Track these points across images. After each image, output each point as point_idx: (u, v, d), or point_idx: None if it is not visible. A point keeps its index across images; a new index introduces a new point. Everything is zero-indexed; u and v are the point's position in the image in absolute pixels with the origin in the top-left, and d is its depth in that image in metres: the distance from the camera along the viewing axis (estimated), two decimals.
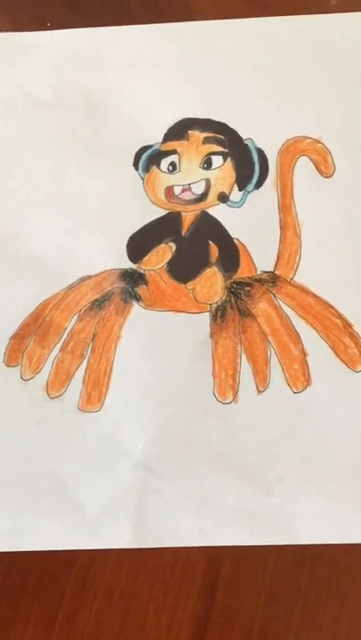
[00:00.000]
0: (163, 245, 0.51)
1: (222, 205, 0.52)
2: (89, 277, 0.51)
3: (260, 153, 0.52)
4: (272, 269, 0.50)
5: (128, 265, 0.51)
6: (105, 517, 0.47)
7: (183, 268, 0.51)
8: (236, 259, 0.51)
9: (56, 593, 0.46)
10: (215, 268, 0.51)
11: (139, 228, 0.52)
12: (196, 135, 0.53)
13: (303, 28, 0.55)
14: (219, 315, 0.50)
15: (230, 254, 0.51)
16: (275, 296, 0.50)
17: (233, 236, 0.51)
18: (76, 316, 0.51)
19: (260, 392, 0.48)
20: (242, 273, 0.50)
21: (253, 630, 0.45)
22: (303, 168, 0.52)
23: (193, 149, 0.53)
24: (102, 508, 0.47)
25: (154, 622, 0.45)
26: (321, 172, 0.52)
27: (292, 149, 0.52)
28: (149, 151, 0.53)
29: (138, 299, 0.50)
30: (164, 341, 0.49)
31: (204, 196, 0.52)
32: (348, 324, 0.49)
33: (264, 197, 0.52)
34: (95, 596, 0.46)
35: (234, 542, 0.46)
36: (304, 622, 0.44)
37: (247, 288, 0.50)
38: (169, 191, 0.52)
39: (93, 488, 0.47)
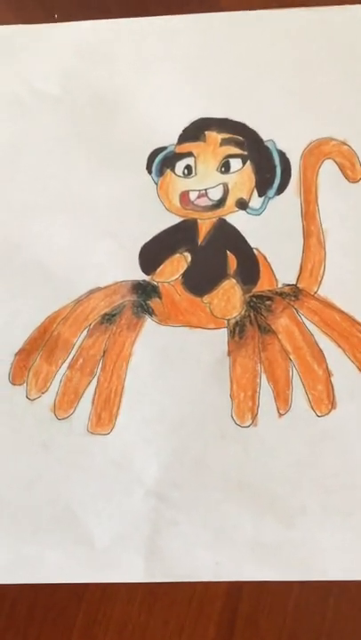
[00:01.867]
0: (177, 255, 0.48)
1: (241, 212, 0.48)
2: (99, 289, 0.48)
3: (282, 156, 0.49)
4: (294, 282, 0.47)
5: (140, 276, 0.48)
6: (115, 549, 0.44)
7: (199, 281, 0.48)
8: (255, 270, 0.47)
9: (64, 628, 0.44)
10: (233, 281, 0.47)
11: (152, 237, 0.49)
12: (214, 136, 0.49)
13: (331, 20, 0.51)
14: (237, 331, 0.47)
15: (249, 265, 0.47)
16: (297, 311, 0.47)
17: (252, 245, 0.48)
18: (85, 331, 0.48)
19: (281, 415, 0.45)
20: (262, 286, 0.47)
21: None
22: (328, 172, 0.49)
23: (210, 152, 0.49)
24: (112, 540, 0.44)
25: None
26: (347, 177, 0.48)
27: (317, 152, 0.49)
28: (163, 153, 0.50)
29: (151, 313, 0.47)
30: (179, 359, 0.46)
31: (221, 203, 0.49)
32: None
33: (286, 204, 0.48)
34: (106, 632, 0.43)
35: (253, 578, 0.43)
36: None
37: (268, 302, 0.47)
38: (184, 197, 0.49)
39: (103, 518, 0.44)
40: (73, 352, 0.47)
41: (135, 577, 0.43)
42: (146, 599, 0.44)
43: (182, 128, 0.50)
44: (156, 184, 0.49)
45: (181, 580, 0.43)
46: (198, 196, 0.49)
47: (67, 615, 0.44)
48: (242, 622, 0.43)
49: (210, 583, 0.43)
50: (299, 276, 0.47)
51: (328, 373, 0.45)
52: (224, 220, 0.48)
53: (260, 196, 0.49)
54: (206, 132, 0.50)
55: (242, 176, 0.49)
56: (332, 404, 0.45)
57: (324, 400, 0.45)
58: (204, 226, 0.48)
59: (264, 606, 0.43)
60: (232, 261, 0.48)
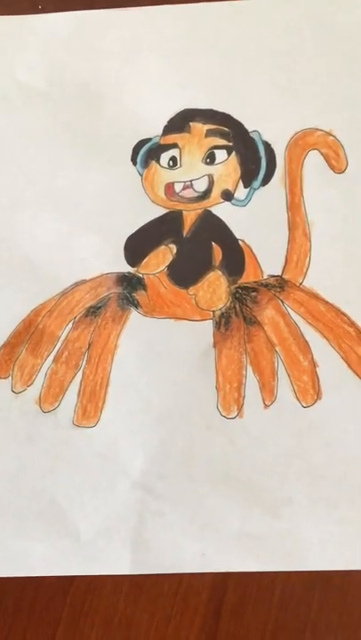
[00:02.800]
0: (163, 247, 0.48)
1: (226, 204, 0.48)
2: (84, 282, 0.48)
3: (267, 147, 0.49)
4: (280, 273, 0.47)
5: (126, 268, 0.48)
6: (101, 541, 0.44)
7: (184, 272, 0.47)
8: (241, 262, 0.47)
9: (50, 620, 0.44)
10: (219, 272, 0.47)
11: (137, 229, 0.48)
12: (199, 127, 0.49)
13: (317, 10, 0.50)
14: (223, 322, 0.46)
15: (235, 257, 0.47)
16: (283, 302, 0.46)
17: (238, 236, 0.48)
18: (70, 324, 0.47)
19: (266, 406, 0.45)
20: (247, 277, 0.47)
21: None
22: (313, 163, 0.48)
23: (195, 143, 0.49)
24: (98, 532, 0.44)
25: None
26: (333, 168, 0.48)
27: (302, 143, 0.49)
28: (148, 145, 0.49)
29: (136, 305, 0.47)
30: (164, 351, 0.46)
31: (206, 194, 0.48)
32: None
33: (271, 195, 0.48)
34: (92, 624, 0.43)
35: (239, 569, 0.43)
36: None
37: (253, 294, 0.47)
38: (169, 188, 0.49)
39: (89, 510, 0.44)
40: (58, 345, 0.47)
41: (121, 569, 0.43)
42: (132, 591, 0.43)
43: (167, 119, 0.50)
44: (141, 176, 0.49)
45: (167, 572, 0.43)
46: (183, 188, 0.49)
47: (53, 608, 0.44)
48: (228, 613, 0.43)
49: (196, 574, 0.43)
50: (284, 267, 0.47)
51: (314, 364, 0.45)
52: (209, 212, 0.48)
53: (245, 187, 0.48)
54: (191, 123, 0.49)
55: (227, 167, 0.49)
56: (318, 395, 0.45)
57: (310, 391, 0.45)
58: (190, 217, 0.48)
59: (250, 597, 0.43)
60: (217, 253, 0.48)
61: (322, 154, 0.48)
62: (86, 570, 0.44)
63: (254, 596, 0.43)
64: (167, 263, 0.48)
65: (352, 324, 0.46)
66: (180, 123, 0.49)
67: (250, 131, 0.49)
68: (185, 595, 0.43)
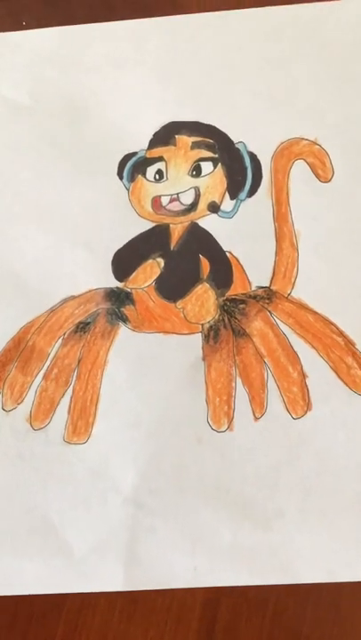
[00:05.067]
0: (150, 261, 0.48)
1: (213, 216, 0.48)
2: (72, 298, 0.48)
3: (253, 157, 0.49)
4: (268, 284, 0.47)
5: (114, 283, 0.48)
6: (94, 558, 0.44)
7: (172, 286, 0.47)
8: (228, 274, 0.47)
9: (45, 637, 0.44)
10: (207, 285, 0.47)
11: (124, 244, 0.48)
12: (184, 140, 0.49)
13: (299, 19, 0.50)
14: (211, 335, 0.46)
15: (222, 269, 0.47)
16: (271, 313, 0.46)
17: (225, 248, 0.48)
18: (59, 340, 0.47)
19: (256, 418, 0.45)
20: (235, 289, 0.47)
21: None
22: (299, 173, 0.48)
23: (181, 155, 0.49)
24: (91, 548, 0.44)
25: None
26: (319, 177, 0.48)
27: (287, 153, 0.48)
28: (134, 159, 0.49)
29: (125, 320, 0.47)
30: (154, 366, 0.46)
31: (193, 207, 0.48)
32: (350, 343, 0.45)
33: (258, 206, 0.48)
34: None
35: (231, 583, 0.43)
36: None
37: (241, 305, 0.47)
38: (156, 202, 0.49)
39: (81, 527, 0.44)
40: (48, 362, 0.47)
41: (114, 586, 0.43)
42: (125, 607, 0.43)
43: (153, 132, 0.50)
44: (128, 190, 0.49)
45: (160, 587, 0.43)
46: (170, 201, 0.49)
47: (47, 625, 0.44)
48: (221, 628, 0.43)
49: (189, 589, 0.43)
50: (272, 278, 0.47)
51: (303, 375, 0.45)
52: (196, 224, 0.48)
53: (231, 198, 0.48)
54: (177, 136, 0.49)
55: (213, 179, 0.49)
56: (308, 406, 0.45)
57: (300, 402, 0.45)
58: (177, 230, 0.48)
59: (243, 611, 0.43)
60: (205, 265, 0.48)
61: (308, 163, 0.48)
62: (80, 587, 0.44)
63: (247, 610, 0.43)
64: (155, 277, 0.48)
65: (341, 333, 0.46)
66: (165, 136, 0.49)
67: (235, 142, 0.49)
68: (178, 610, 0.43)
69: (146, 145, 0.50)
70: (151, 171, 0.49)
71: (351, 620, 0.42)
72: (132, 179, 0.49)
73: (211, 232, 0.48)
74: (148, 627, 0.43)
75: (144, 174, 0.49)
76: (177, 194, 0.49)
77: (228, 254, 0.47)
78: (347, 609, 0.42)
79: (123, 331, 0.47)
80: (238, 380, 0.46)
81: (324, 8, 0.51)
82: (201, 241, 0.48)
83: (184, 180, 0.49)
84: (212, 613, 0.43)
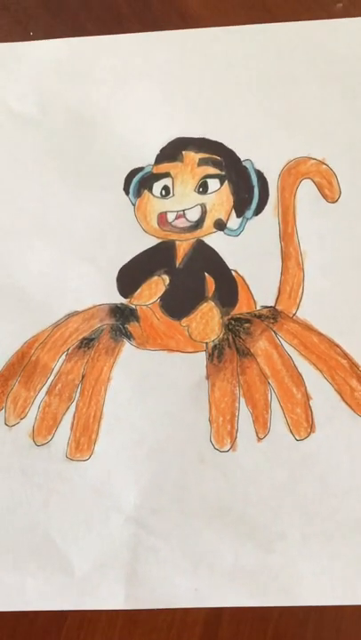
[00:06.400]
0: (155, 278, 0.48)
1: (219, 233, 0.48)
2: (77, 313, 0.48)
3: (260, 175, 0.48)
4: (273, 304, 0.47)
5: (118, 299, 0.48)
6: (95, 577, 0.44)
7: (177, 303, 0.47)
8: (234, 292, 0.47)
9: None
10: (212, 303, 0.47)
11: (129, 260, 0.48)
12: (191, 156, 0.49)
13: (307, 35, 0.50)
14: (216, 354, 0.46)
15: (228, 288, 0.47)
16: (276, 333, 0.46)
17: (231, 267, 0.47)
18: (63, 356, 0.47)
19: (260, 439, 0.45)
20: (240, 308, 0.47)
21: None
22: (306, 192, 0.48)
23: (188, 172, 0.49)
24: (92, 567, 0.44)
25: None
26: (326, 197, 0.48)
27: (295, 172, 0.48)
28: (141, 174, 0.49)
29: (129, 337, 0.47)
30: (158, 383, 0.46)
31: (199, 224, 0.48)
32: (354, 365, 0.45)
33: (264, 225, 0.48)
34: None
35: (232, 604, 0.43)
36: None
37: (246, 325, 0.47)
38: (162, 218, 0.48)
39: (82, 545, 0.44)
40: (51, 377, 0.47)
41: (115, 604, 0.43)
42: (126, 626, 0.44)
43: (160, 148, 0.49)
44: (134, 205, 0.49)
45: (161, 607, 0.43)
46: (176, 217, 0.48)
47: None
48: None
49: (189, 609, 0.43)
50: (277, 297, 0.47)
51: (307, 397, 0.45)
52: (202, 242, 0.48)
53: (238, 216, 0.48)
54: (184, 152, 0.49)
55: (220, 196, 0.48)
56: (311, 428, 0.45)
57: (303, 424, 0.45)
58: (182, 247, 0.48)
59: (243, 632, 0.43)
60: (210, 283, 0.47)
61: (315, 183, 0.48)
62: (80, 605, 0.44)
63: (248, 631, 0.43)
64: (160, 294, 0.48)
65: (346, 355, 0.46)
66: (172, 152, 0.49)
67: (242, 159, 0.49)
68: (179, 629, 0.43)
69: (153, 160, 0.49)
70: (158, 186, 0.49)
71: None
72: (138, 194, 0.49)
73: (216, 250, 0.48)
74: None
75: (150, 190, 0.49)
76: (183, 210, 0.48)
77: (233, 273, 0.47)
78: (348, 632, 0.42)
79: (127, 347, 0.47)
80: (242, 400, 0.46)
81: (335, 25, 0.50)
82: (207, 258, 0.48)
83: (191, 197, 0.48)
84: (212, 633, 0.43)
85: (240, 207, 0.48)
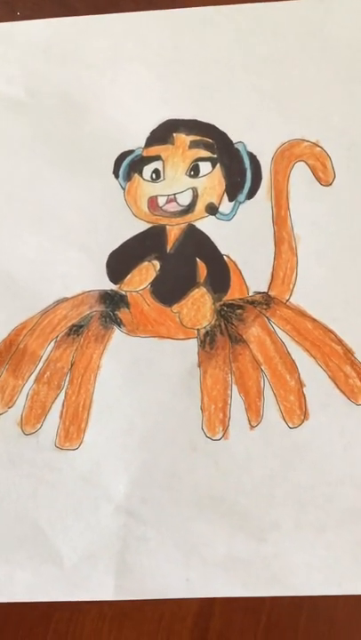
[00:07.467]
0: (146, 264, 0.47)
1: (211, 218, 0.47)
2: (66, 300, 0.47)
3: (253, 158, 0.47)
4: (266, 290, 0.46)
5: (108, 286, 0.47)
6: (84, 567, 0.43)
7: (168, 289, 0.46)
8: (226, 278, 0.46)
9: None
10: (203, 289, 0.46)
11: (119, 245, 0.47)
12: (182, 139, 0.48)
13: (302, 15, 0.49)
14: (207, 341, 0.45)
15: (220, 273, 0.46)
16: (269, 320, 0.45)
17: (223, 252, 0.46)
18: (52, 343, 0.46)
19: (252, 427, 0.44)
20: (232, 294, 0.46)
21: None
22: (300, 175, 0.47)
23: (178, 155, 0.48)
24: (81, 557, 0.43)
25: None
26: (319, 180, 0.47)
27: (288, 154, 0.47)
28: (131, 157, 0.48)
29: (119, 323, 0.46)
30: (148, 371, 0.45)
31: (190, 208, 0.47)
32: (348, 351, 0.45)
33: (257, 208, 0.47)
34: None
35: (224, 594, 0.42)
36: None
37: (238, 311, 0.46)
38: (152, 202, 0.47)
39: (72, 535, 0.44)
40: (40, 365, 0.46)
41: (105, 595, 0.43)
42: (116, 617, 0.43)
43: (150, 130, 0.48)
44: (124, 189, 0.48)
45: (152, 598, 0.42)
46: (167, 202, 0.47)
47: (37, 634, 0.43)
48: (213, 638, 0.42)
49: (181, 600, 0.43)
50: (270, 283, 0.46)
51: (300, 384, 0.44)
52: (193, 226, 0.47)
53: (230, 200, 0.47)
54: (175, 135, 0.48)
55: (211, 180, 0.47)
56: (305, 415, 0.44)
57: (297, 411, 0.44)
58: (173, 232, 0.47)
59: (236, 623, 0.42)
60: (202, 269, 0.47)
61: (309, 165, 0.47)
62: (70, 596, 0.43)
63: (240, 621, 0.42)
64: (150, 280, 0.47)
65: (339, 341, 0.45)
66: (163, 134, 0.48)
67: (235, 142, 0.48)
68: (170, 620, 0.43)
69: (143, 143, 0.48)
70: (148, 170, 0.48)
71: (346, 632, 0.42)
72: (128, 178, 0.48)
73: (208, 234, 0.47)
74: (138, 637, 0.42)
75: (141, 173, 0.48)
76: (174, 194, 0.47)
77: (225, 258, 0.46)
78: (341, 622, 0.42)
79: (117, 334, 0.46)
80: (234, 388, 0.45)
81: (331, 4, 0.49)
82: (198, 243, 0.47)
83: (182, 181, 0.47)
84: (204, 624, 0.42)
85: (232, 191, 0.47)
